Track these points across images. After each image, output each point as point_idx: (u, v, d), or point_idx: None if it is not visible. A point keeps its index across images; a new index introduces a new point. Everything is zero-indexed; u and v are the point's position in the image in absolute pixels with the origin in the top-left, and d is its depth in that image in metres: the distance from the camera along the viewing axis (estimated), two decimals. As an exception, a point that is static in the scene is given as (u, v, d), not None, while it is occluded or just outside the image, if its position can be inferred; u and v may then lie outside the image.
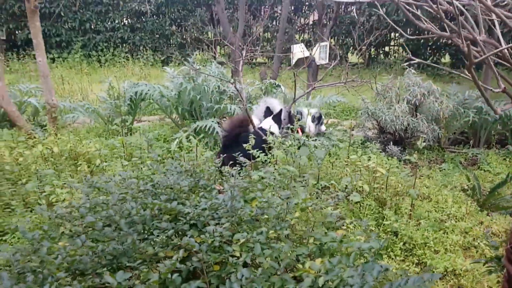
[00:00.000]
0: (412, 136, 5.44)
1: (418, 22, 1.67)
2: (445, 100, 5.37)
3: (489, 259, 1.75)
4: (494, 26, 1.54)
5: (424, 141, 3.67)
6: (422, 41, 12.09)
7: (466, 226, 3.53)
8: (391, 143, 5.37)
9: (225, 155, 3.47)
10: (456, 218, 3.68)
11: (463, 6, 1.67)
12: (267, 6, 13.65)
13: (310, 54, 6.89)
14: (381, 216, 3.62)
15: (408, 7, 1.79)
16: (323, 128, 5.34)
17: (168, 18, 13.10)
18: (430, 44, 12.27)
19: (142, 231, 1.50)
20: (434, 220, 3.61)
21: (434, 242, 3.31)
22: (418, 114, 5.25)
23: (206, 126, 5.02)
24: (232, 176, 1.90)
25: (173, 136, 5.29)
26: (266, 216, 1.52)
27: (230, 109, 5.12)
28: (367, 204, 3.61)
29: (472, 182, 4.26)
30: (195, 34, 13.33)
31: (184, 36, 13.42)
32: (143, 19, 13.13)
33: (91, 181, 1.86)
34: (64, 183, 3.25)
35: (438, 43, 12.31)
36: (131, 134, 5.27)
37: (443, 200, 3.96)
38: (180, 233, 1.52)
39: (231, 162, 3.09)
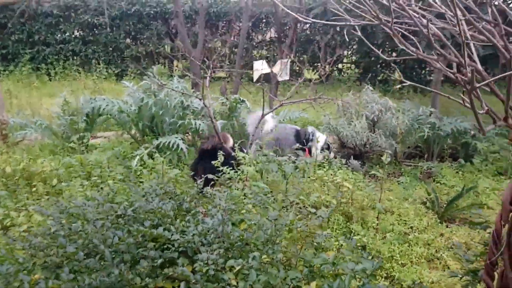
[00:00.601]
0: (372, 151, 5.62)
1: (404, 46, 1.72)
2: (401, 116, 5.63)
3: (466, 273, 1.81)
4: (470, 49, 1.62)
5: (389, 157, 3.78)
6: (372, 58, 12.64)
7: (429, 238, 3.66)
8: (352, 157, 5.52)
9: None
10: (418, 231, 3.81)
11: (442, 29, 1.75)
12: (224, 21, 13.73)
13: (272, 70, 6.98)
14: (348, 230, 3.67)
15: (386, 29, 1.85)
16: (331, 155, 5.39)
17: (122, 31, 12.79)
18: (380, 62, 12.85)
19: (128, 261, 1.40)
20: (399, 233, 3.72)
21: (400, 255, 3.41)
22: (376, 129, 5.44)
23: (169, 142, 4.90)
24: (215, 197, 1.83)
25: (133, 153, 5.11)
26: (256, 240, 1.48)
27: (195, 124, 5.03)
28: (335, 219, 3.65)
29: (431, 195, 4.45)
30: (152, 48, 13.10)
31: (139, 50, 13.15)
32: (96, 32, 12.73)
33: (63, 206, 1.72)
34: (19, 206, 3.01)
35: (388, 61, 12.93)
36: (88, 152, 5.02)
37: (405, 213, 4.09)
38: (168, 261, 1.43)
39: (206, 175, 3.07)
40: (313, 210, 3.48)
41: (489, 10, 1.63)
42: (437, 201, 4.34)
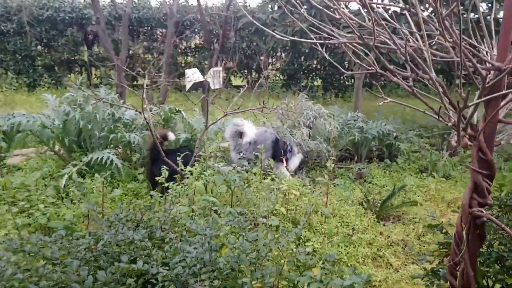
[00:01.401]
0: (309, 156, 5.80)
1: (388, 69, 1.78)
2: (332, 121, 5.88)
3: (426, 273, 1.91)
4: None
5: (333, 162, 3.91)
6: (297, 66, 13.11)
7: (370, 238, 3.85)
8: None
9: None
10: (360, 231, 3.99)
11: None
12: (146, 27, 13.29)
13: (205, 79, 6.88)
14: (297, 237, 3.72)
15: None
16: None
17: (33, 38, 11.74)
18: (303, 69, 13.37)
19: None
20: (343, 235, 3.85)
21: (347, 257, 3.53)
22: (316, 136, 5.62)
23: (101, 158, 4.57)
24: (181, 218, 1.71)
25: (60, 172, 4.68)
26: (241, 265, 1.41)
27: (129, 137, 4.75)
28: (285, 227, 3.67)
29: (366, 195, 4.70)
30: (66, 55, 12.22)
31: (53, 58, 12.19)
32: (3, 39, 11.53)
33: (17, 243, 1.47)
34: None
35: (310, 68, 13.52)
36: (7, 173, 4.49)
37: (346, 215, 4.25)
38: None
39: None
40: (264, 220, 3.49)
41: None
42: (373, 201, 4.59)
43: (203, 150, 4.16)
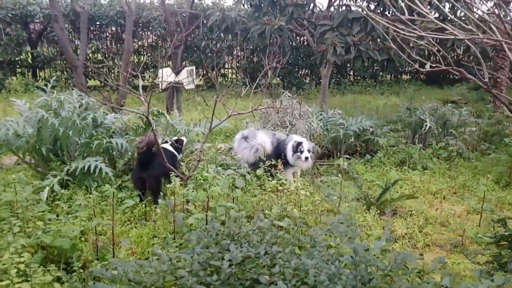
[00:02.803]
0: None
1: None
2: (314, 119, 5.92)
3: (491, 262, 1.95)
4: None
5: (345, 161, 3.90)
6: (256, 64, 13.09)
7: (377, 234, 3.89)
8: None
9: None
10: (367, 227, 4.03)
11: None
12: (96, 26, 12.57)
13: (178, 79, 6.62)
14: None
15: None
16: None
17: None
18: (262, 67, 13.37)
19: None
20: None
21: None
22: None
23: (87, 167, 4.21)
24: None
25: (38, 184, 4.26)
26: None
27: (115, 143, 4.42)
28: (298, 228, 3.61)
29: (361, 191, 4.78)
30: (9, 56, 11.21)
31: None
32: None
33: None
34: None
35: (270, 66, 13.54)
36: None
37: (349, 211, 4.27)
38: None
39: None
40: (280, 224, 3.40)
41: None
42: (368, 197, 4.67)
43: (206, 153, 3.97)
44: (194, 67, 7.04)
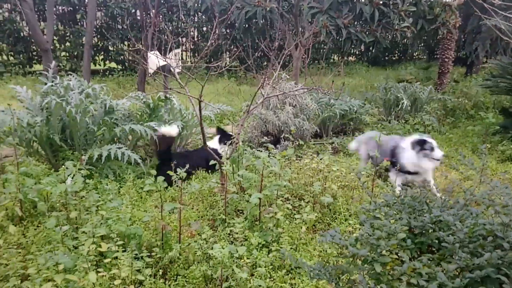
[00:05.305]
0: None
1: None
2: (309, 100, 6.15)
3: None
4: None
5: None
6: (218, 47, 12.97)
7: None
8: (273, 143, 5.75)
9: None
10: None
11: None
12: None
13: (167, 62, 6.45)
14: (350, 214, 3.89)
15: None
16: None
17: None
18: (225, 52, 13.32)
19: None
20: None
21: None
22: (300, 115, 5.81)
23: (109, 154, 4.07)
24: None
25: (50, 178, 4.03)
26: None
27: (140, 132, 4.28)
28: (337, 204, 3.83)
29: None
30: None
31: None
32: None
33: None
34: None
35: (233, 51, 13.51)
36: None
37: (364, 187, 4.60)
38: None
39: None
40: (326, 200, 3.61)
41: None
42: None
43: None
44: (180, 50, 6.88)
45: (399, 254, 1.34)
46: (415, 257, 1.39)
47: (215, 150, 4.45)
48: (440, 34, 9.07)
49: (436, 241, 1.43)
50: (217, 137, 5.00)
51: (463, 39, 13.27)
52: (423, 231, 1.42)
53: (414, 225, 1.42)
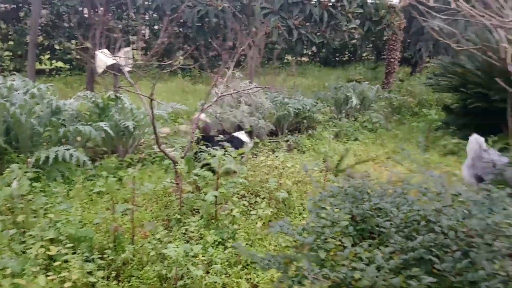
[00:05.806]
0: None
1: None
2: (264, 99, 6.26)
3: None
4: None
5: (331, 135, 4.31)
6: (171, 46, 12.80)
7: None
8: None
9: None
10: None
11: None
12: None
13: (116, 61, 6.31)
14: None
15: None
16: None
17: None
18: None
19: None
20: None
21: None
22: (256, 113, 5.89)
23: (61, 155, 3.94)
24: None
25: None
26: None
27: (86, 131, 4.17)
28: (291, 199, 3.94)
29: (324, 159, 5.30)
30: None
31: None
32: None
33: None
34: None
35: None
36: None
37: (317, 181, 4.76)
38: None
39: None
40: (281, 195, 3.71)
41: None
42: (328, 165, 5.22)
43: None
44: (130, 48, 6.75)
45: (342, 241, 1.44)
46: (357, 243, 1.49)
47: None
48: (386, 35, 9.52)
49: (376, 227, 1.54)
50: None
51: (408, 40, 13.97)
52: (364, 219, 1.54)
53: (356, 213, 1.53)
